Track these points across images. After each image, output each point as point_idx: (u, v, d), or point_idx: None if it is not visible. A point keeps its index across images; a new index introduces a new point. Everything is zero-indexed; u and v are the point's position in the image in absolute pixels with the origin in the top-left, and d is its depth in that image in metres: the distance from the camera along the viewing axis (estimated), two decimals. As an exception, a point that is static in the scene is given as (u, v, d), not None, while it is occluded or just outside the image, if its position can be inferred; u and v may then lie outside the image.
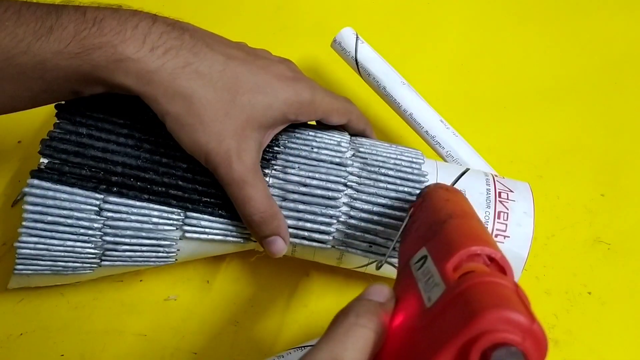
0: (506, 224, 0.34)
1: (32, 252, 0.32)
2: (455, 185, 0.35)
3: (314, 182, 0.34)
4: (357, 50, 0.43)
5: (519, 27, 0.56)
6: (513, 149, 0.48)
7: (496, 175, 0.37)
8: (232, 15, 0.54)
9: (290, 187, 0.34)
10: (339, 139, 0.36)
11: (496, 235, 0.34)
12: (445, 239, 0.25)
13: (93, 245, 0.33)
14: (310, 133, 0.36)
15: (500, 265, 0.23)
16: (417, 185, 0.34)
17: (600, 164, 0.48)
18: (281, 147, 0.35)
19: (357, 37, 0.43)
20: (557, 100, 0.51)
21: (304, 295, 0.41)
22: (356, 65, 0.43)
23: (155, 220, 0.33)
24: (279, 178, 0.34)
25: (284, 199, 0.34)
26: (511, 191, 0.35)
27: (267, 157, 0.34)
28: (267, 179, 0.34)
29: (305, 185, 0.34)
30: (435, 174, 0.36)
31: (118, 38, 0.29)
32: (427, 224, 0.27)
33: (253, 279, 0.41)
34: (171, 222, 0.33)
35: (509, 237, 0.34)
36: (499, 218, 0.34)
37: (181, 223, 0.33)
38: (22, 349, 0.37)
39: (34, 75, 0.29)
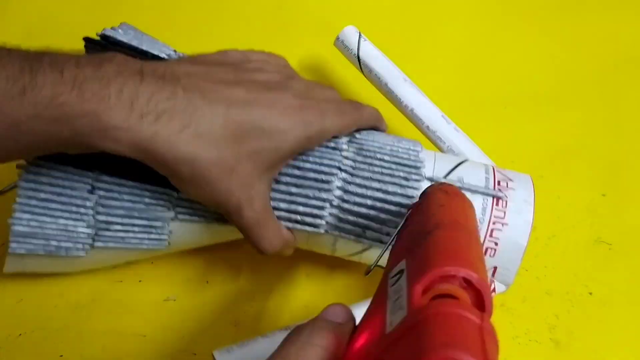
0: (504, 212, 0.33)
1: (26, 229, 0.32)
2: (452, 173, 0.34)
3: (307, 165, 0.33)
4: (359, 48, 0.43)
5: (519, 27, 0.56)
6: (514, 148, 0.48)
7: (496, 167, 0.37)
8: (233, 13, 0.55)
9: (283, 169, 0.33)
10: None
11: (494, 223, 0.33)
12: (423, 253, 0.22)
13: (86, 224, 0.33)
14: None
15: (476, 289, 0.20)
16: (413, 170, 0.34)
17: (601, 163, 0.48)
18: None
19: (359, 35, 0.44)
20: (558, 100, 0.51)
21: (304, 295, 0.40)
22: (358, 62, 0.43)
23: (147, 200, 0.33)
24: None
25: (277, 182, 0.33)
26: (511, 180, 0.35)
27: None
28: None
29: (298, 168, 0.33)
30: (433, 161, 0.35)
31: (102, 105, 0.26)
32: (415, 233, 0.25)
33: (253, 279, 0.41)
34: (163, 202, 0.33)
35: (507, 224, 0.33)
36: (497, 205, 0.33)
37: (174, 204, 0.34)
38: (21, 350, 0.37)
39: (7, 137, 0.26)
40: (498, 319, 0.40)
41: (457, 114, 0.45)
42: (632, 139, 0.49)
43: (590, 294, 0.41)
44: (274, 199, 0.33)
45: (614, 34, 0.55)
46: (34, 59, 0.27)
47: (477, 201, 0.33)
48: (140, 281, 0.40)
